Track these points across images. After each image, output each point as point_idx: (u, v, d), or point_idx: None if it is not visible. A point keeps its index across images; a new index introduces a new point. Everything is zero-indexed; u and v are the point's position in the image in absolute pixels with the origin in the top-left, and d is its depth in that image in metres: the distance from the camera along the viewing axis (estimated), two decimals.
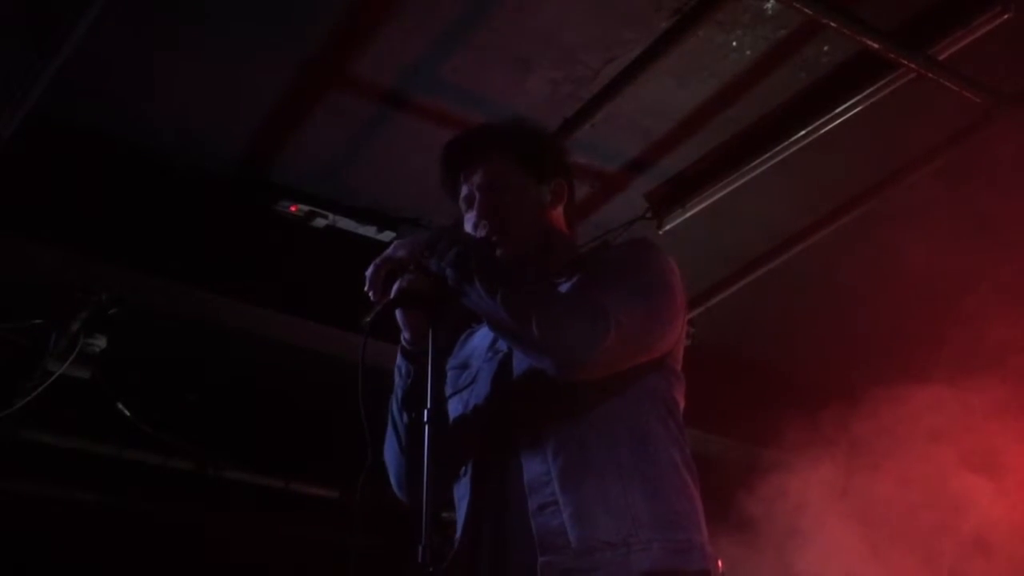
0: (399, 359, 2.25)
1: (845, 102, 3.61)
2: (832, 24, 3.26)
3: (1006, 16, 3.22)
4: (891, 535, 4.39)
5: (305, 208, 4.27)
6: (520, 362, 2.14)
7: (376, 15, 3.45)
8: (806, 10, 3.22)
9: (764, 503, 4.40)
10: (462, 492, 2.18)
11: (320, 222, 4.33)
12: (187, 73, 3.71)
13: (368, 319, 2.09)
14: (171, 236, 4.25)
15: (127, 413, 5.09)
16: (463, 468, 2.19)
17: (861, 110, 3.61)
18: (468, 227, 2.32)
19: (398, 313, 2.16)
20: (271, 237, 4.40)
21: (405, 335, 2.20)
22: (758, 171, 3.92)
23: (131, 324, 4.55)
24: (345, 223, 4.35)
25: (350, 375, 5.40)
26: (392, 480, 2.30)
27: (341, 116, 3.88)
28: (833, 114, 3.65)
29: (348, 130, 3.97)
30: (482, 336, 2.34)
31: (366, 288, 2.14)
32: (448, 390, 2.33)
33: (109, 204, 4.12)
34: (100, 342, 4.54)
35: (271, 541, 5.90)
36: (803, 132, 3.74)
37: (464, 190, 2.34)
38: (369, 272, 2.13)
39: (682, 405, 2.21)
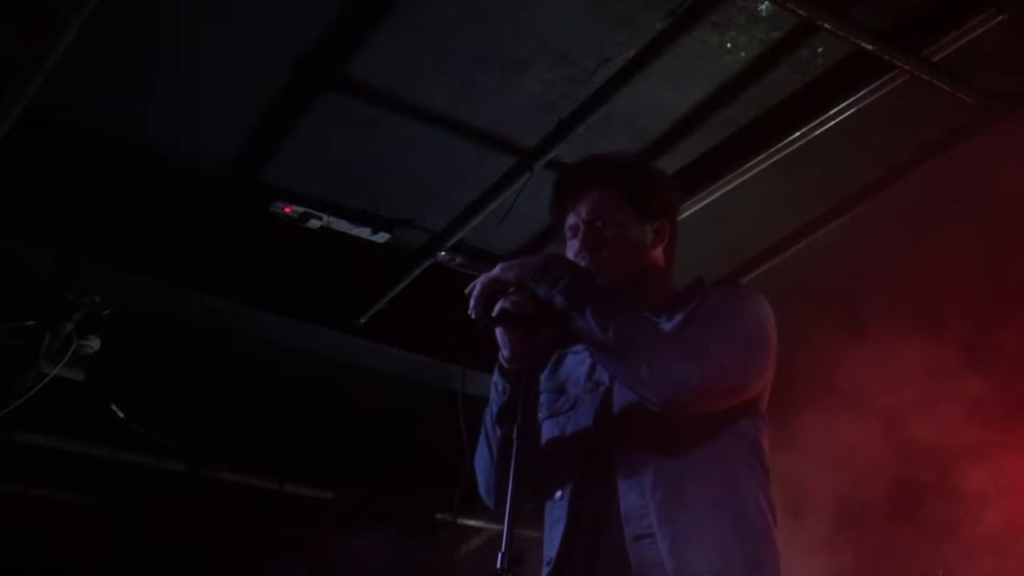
0: (496, 376, 2.32)
1: (839, 103, 3.61)
2: (826, 25, 3.27)
3: (1000, 17, 3.22)
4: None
5: (299, 209, 4.27)
6: (621, 397, 2.25)
7: (370, 16, 3.44)
8: (800, 12, 3.22)
9: None
10: (557, 515, 2.28)
11: (315, 223, 4.33)
12: (182, 73, 3.70)
13: (469, 333, 2.16)
14: (165, 237, 4.25)
15: (120, 414, 5.09)
16: (559, 492, 2.29)
17: (855, 111, 3.62)
18: (569, 255, 2.40)
19: (498, 331, 2.22)
20: (265, 238, 4.40)
21: (504, 353, 2.26)
22: (753, 172, 3.92)
23: (124, 325, 4.54)
24: (340, 224, 4.35)
25: (344, 376, 5.41)
26: (481, 488, 2.40)
27: (336, 117, 3.88)
28: (827, 115, 3.65)
29: (343, 131, 3.96)
30: (578, 361, 2.44)
31: (470, 306, 2.22)
32: (543, 412, 2.43)
33: (103, 205, 4.11)
34: (93, 343, 4.53)
35: (265, 542, 5.89)
36: (797, 133, 3.74)
37: (571, 219, 2.43)
38: (475, 291, 2.21)
39: (767, 447, 2.31)
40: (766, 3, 3.34)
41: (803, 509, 4.36)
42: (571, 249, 2.40)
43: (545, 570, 2.22)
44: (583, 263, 2.34)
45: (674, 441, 2.17)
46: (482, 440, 2.36)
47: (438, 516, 6.28)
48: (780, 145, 3.80)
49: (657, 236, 2.46)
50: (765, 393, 2.31)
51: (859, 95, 3.57)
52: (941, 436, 4.18)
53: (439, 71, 3.67)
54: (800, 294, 4.34)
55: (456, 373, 2.16)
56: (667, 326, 2.26)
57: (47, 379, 4.53)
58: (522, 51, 3.59)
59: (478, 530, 6.19)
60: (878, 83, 3.51)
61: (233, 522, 5.83)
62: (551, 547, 2.25)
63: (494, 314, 2.16)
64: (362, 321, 4.66)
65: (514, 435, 2.07)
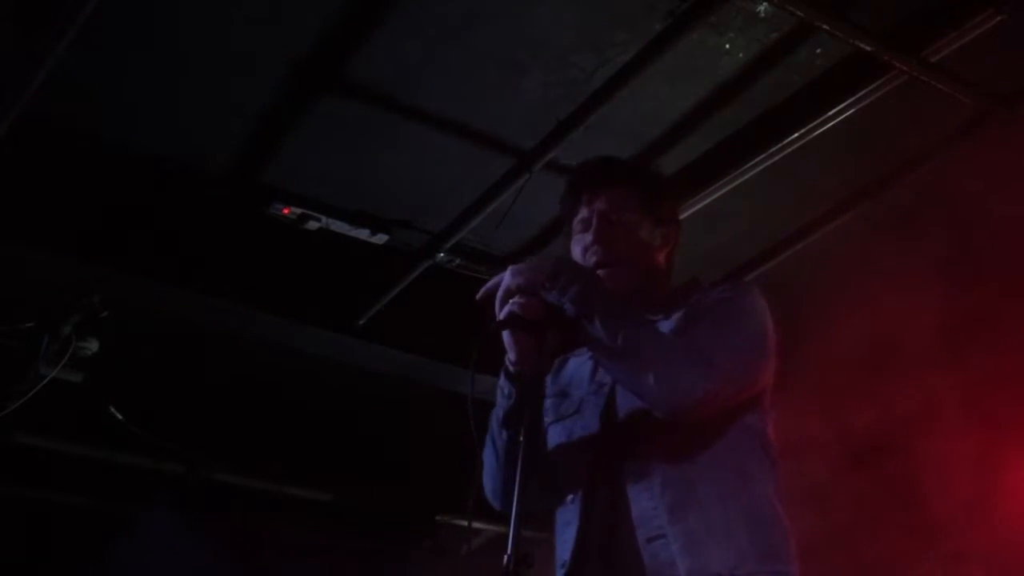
0: (502, 379, 2.32)
1: (838, 104, 3.62)
2: (824, 26, 3.27)
3: (999, 18, 3.22)
4: None
5: (298, 211, 4.27)
6: (625, 398, 2.27)
7: (369, 18, 3.44)
8: (798, 13, 3.22)
9: None
10: (568, 518, 2.29)
11: (313, 224, 4.33)
12: (181, 75, 3.70)
13: (477, 337, 2.16)
14: (164, 239, 4.25)
15: (119, 416, 5.08)
16: (569, 496, 2.31)
17: (854, 112, 3.62)
18: (577, 248, 2.43)
19: (505, 335, 2.22)
20: (264, 239, 4.39)
21: (510, 356, 2.25)
22: (751, 173, 3.92)
23: (123, 327, 4.54)
24: (338, 226, 4.35)
25: (343, 377, 5.41)
26: (487, 490, 2.42)
27: (334, 118, 3.88)
28: (826, 116, 3.65)
29: (342, 133, 3.96)
30: (580, 364, 2.46)
31: (485, 308, 2.24)
32: (549, 417, 2.45)
33: (101, 207, 4.11)
34: (92, 345, 4.52)
35: (265, 543, 5.89)
36: (796, 135, 3.74)
37: (583, 212, 2.44)
38: (485, 295, 2.23)
39: (773, 438, 2.34)
40: (764, 4, 3.34)
41: None
42: (580, 243, 2.42)
43: (560, 572, 2.24)
44: (593, 257, 2.37)
45: (681, 440, 2.19)
46: (488, 444, 2.38)
47: (438, 517, 6.27)
48: (779, 146, 3.80)
49: (664, 240, 2.49)
50: (769, 387, 2.34)
51: (858, 96, 3.57)
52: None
53: (438, 73, 3.67)
54: (800, 295, 4.35)
55: (459, 375, 2.18)
56: (665, 325, 2.29)
57: (46, 381, 4.52)
58: (521, 53, 3.60)
59: (479, 531, 6.19)
60: (877, 84, 3.51)
61: (232, 523, 5.82)
62: (564, 550, 2.27)
63: (502, 318, 2.17)
64: (361, 322, 4.66)
65: (520, 438, 2.09)
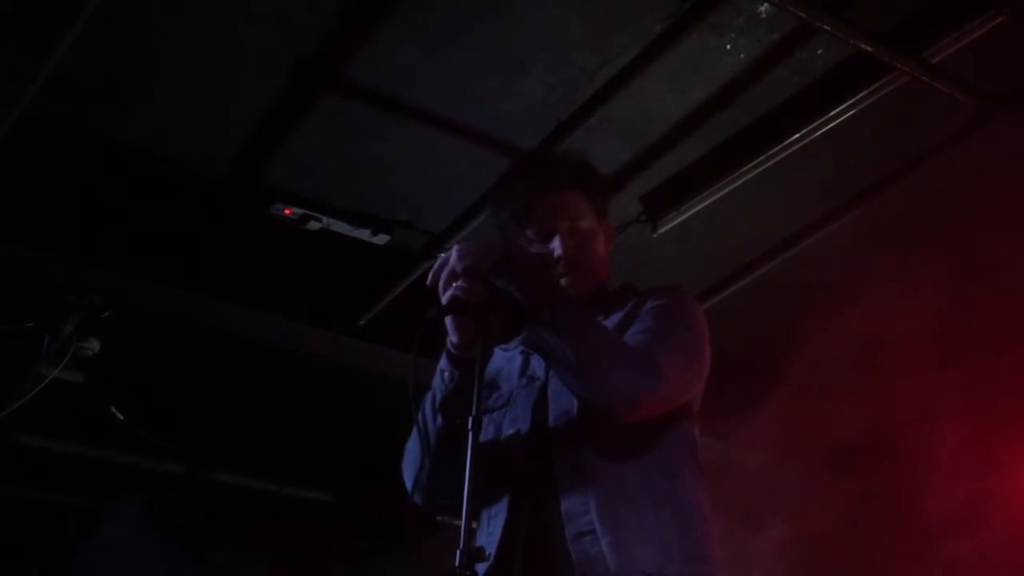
0: (443, 362, 2.27)
1: (839, 105, 3.61)
2: (826, 27, 3.26)
3: (1000, 19, 3.22)
4: None
5: (299, 211, 4.27)
6: (558, 394, 2.24)
7: (370, 17, 3.44)
8: (799, 13, 3.22)
9: None
10: (495, 511, 2.25)
11: (314, 225, 4.32)
12: (181, 75, 3.70)
13: (420, 321, 2.09)
14: (165, 239, 4.25)
15: (120, 417, 5.08)
16: (497, 488, 2.25)
17: (855, 113, 3.61)
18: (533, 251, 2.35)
19: (448, 318, 2.18)
20: (265, 240, 4.39)
21: (452, 339, 2.21)
22: (752, 174, 3.92)
23: (124, 327, 4.54)
24: (339, 226, 4.35)
25: (344, 378, 5.41)
26: (408, 480, 2.33)
27: (335, 118, 3.88)
28: (827, 117, 3.65)
29: (342, 133, 3.96)
30: (508, 357, 2.42)
31: (428, 282, 2.18)
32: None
33: (102, 206, 4.11)
34: (93, 345, 4.52)
35: (265, 544, 5.89)
36: (797, 135, 3.74)
37: (538, 215, 2.35)
38: (435, 274, 2.17)
39: (698, 443, 2.34)
40: (765, 5, 3.34)
41: None
42: (537, 248, 2.34)
43: (483, 566, 2.14)
44: (561, 267, 2.30)
45: (614, 438, 2.16)
46: (414, 432, 2.29)
47: (439, 518, 6.26)
48: (779, 147, 3.79)
49: (607, 237, 2.45)
50: (700, 393, 2.35)
51: (858, 97, 3.56)
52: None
53: (438, 73, 3.67)
54: (800, 295, 4.35)
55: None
56: (607, 324, 2.27)
57: (47, 381, 4.53)
58: (522, 53, 3.60)
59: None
60: (878, 84, 3.51)
61: (233, 524, 5.83)
62: (490, 543, 2.20)
63: (444, 302, 2.12)
64: (362, 323, 4.66)
65: (469, 425, 2.01)
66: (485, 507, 2.28)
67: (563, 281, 2.30)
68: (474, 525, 1.97)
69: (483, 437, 2.24)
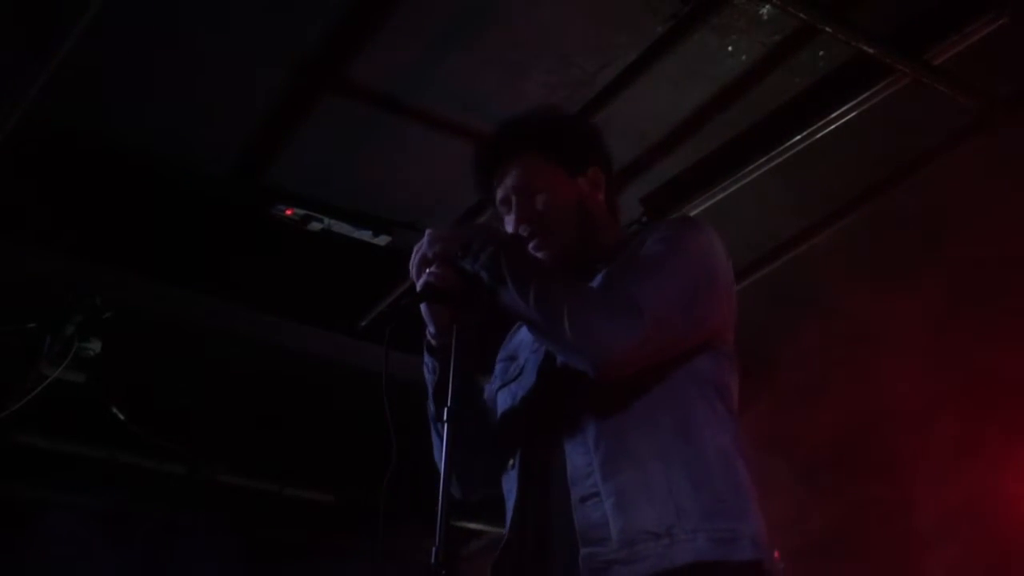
0: (425, 355, 2.19)
1: (840, 107, 3.61)
2: (827, 29, 3.26)
3: (1001, 21, 3.22)
4: None
5: (300, 212, 4.27)
6: None
7: (372, 18, 3.44)
8: (801, 15, 3.22)
9: None
10: (509, 485, 2.15)
11: (315, 226, 4.33)
12: (183, 76, 3.70)
13: (391, 309, 2.04)
14: (166, 239, 4.25)
15: (121, 417, 5.08)
16: (511, 461, 2.15)
17: (856, 115, 3.61)
18: (509, 230, 2.26)
19: (423, 307, 2.10)
20: (266, 241, 4.40)
21: (429, 329, 2.13)
22: (754, 175, 3.92)
23: (125, 328, 4.54)
24: (340, 227, 4.35)
25: (345, 379, 5.39)
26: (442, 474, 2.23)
27: (337, 120, 3.88)
28: (828, 119, 3.65)
29: (344, 134, 3.96)
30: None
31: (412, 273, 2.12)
32: (496, 383, 2.30)
33: (104, 207, 4.11)
34: (94, 346, 4.52)
35: (265, 545, 5.89)
36: (798, 137, 3.74)
37: (500, 194, 2.28)
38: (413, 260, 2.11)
39: (735, 387, 2.16)
40: (767, 7, 3.34)
41: None
42: (509, 224, 2.26)
43: (500, 546, 2.06)
44: (525, 235, 2.21)
45: (618, 392, 2.00)
46: (432, 428, 2.23)
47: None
48: (781, 149, 3.79)
49: (593, 185, 2.30)
50: (725, 331, 2.16)
51: (860, 99, 3.56)
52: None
53: (440, 74, 3.67)
54: (801, 296, 4.35)
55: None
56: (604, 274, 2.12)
57: (48, 381, 4.53)
58: (523, 54, 3.60)
59: (479, 533, 6.18)
60: (879, 86, 3.51)
61: (233, 524, 5.82)
62: (507, 521, 2.12)
63: (418, 289, 2.04)
64: (363, 324, 4.66)
65: (444, 418, 1.92)
66: (504, 484, 2.18)
67: (536, 250, 2.19)
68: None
69: (501, 408, 2.24)
